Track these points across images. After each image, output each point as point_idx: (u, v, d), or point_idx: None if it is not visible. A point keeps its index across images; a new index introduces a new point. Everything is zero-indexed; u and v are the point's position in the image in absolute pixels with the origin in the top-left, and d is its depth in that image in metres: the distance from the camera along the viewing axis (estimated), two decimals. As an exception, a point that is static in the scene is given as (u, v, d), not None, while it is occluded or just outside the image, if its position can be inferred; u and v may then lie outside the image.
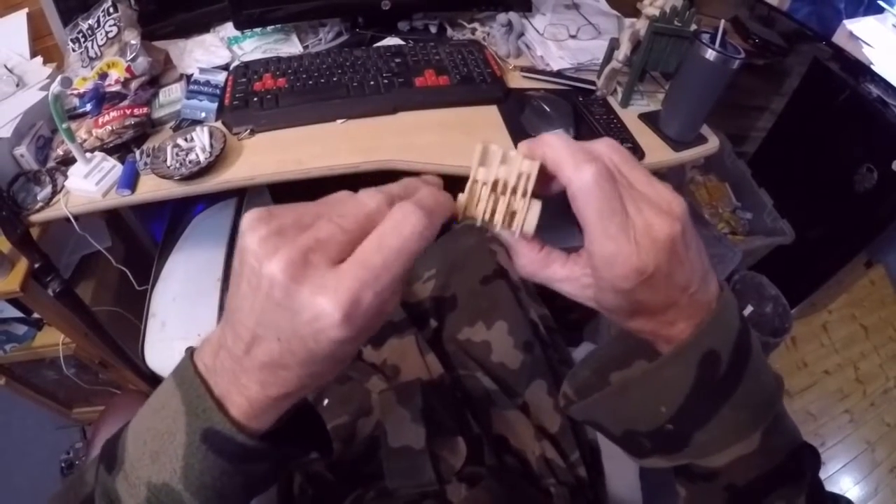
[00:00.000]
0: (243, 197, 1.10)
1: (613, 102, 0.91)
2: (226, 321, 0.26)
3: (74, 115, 0.82)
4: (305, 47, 1.00)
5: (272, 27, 0.99)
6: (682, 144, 0.84)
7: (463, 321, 0.65)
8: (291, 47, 1.00)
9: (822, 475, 0.33)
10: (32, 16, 0.95)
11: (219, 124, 0.83)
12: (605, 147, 0.28)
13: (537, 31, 1.00)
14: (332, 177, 0.78)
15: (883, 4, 1.21)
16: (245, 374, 0.26)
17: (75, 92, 0.83)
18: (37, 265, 0.80)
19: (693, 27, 0.78)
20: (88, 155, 0.76)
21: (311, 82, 0.86)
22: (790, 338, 1.56)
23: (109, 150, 0.78)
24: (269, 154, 0.80)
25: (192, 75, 0.90)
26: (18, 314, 0.95)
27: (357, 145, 0.81)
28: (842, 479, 1.39)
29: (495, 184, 0.28)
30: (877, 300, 1.71)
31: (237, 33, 0.98)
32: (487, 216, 0.29)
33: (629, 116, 0.88)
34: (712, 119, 0.85)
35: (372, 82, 0.87)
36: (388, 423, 0.51)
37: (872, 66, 1.21)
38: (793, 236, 1.44)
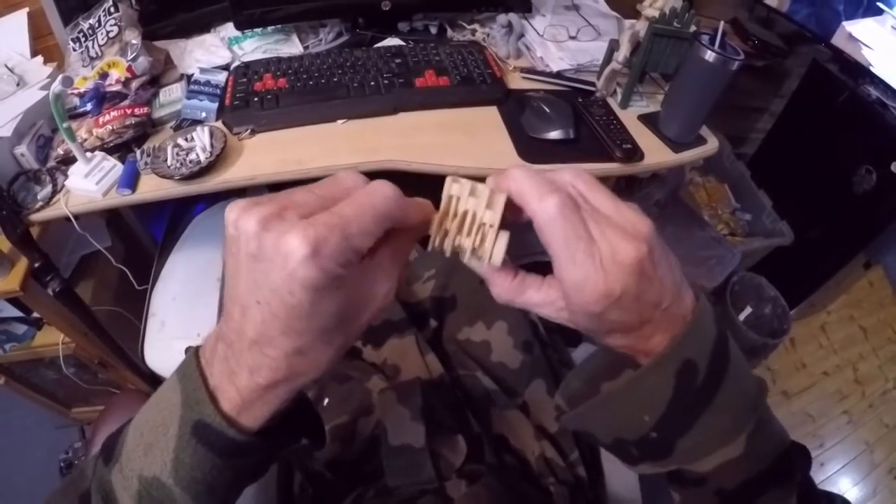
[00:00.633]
0: (243, 197, 1.10)
1: (613, 103, 0.91)
2: (222, 312, 0.27)
3: (75, 115, 0.82)
4: (306, 48, 1.01)
5: (273, 27, 0.99)
6: (681, 145, 0.85)
7: (463, 321, 0.65)
8: (292, 47, 1.00)
9: (821, 476, 0.34)
10: (33, 15, 0.95)
11: (219, 124, 0.83)
12: (568, 175, 0.29)
13: (537, 33, 1.00)
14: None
15: (882, 6, 1.21)
16: (236, 358, 0.26)
17: (76, 91, 0.83)
18: (37, 264, 0.80)
19: (692, 29, 0.79)
20: (89, 154, 0.76)
21: (311, 83, 0.86)
22: (789, 339, 1.56)
23: (110, 150, 0.78)
24: (269, 154, 0.80)
25: (192, 75, 0.90)
26: (18, 313, 0.95)
27: (357, 146, 0.81)
28: (840, 480, 1.39)
29: (464, 217, 0.29)
30: (876, 301, 1.71)
31: (238, 33, 0.98)
32: (456, 249, 0.30)
33: (629, 117, 0.88)
34: (712, 120, 0.85)
35: (372, 83, 0.87)
36: (388, 422, 0.51)
37: (871, 68, 1.22)
38: (792, 237, 1.44)
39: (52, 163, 0.79)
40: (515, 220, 0.30)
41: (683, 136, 0.85)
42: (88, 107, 0.82)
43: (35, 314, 0.96)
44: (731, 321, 1.40)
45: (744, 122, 1.73)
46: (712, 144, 0.87)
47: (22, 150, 0.76)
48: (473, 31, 1.05)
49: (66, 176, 0.76)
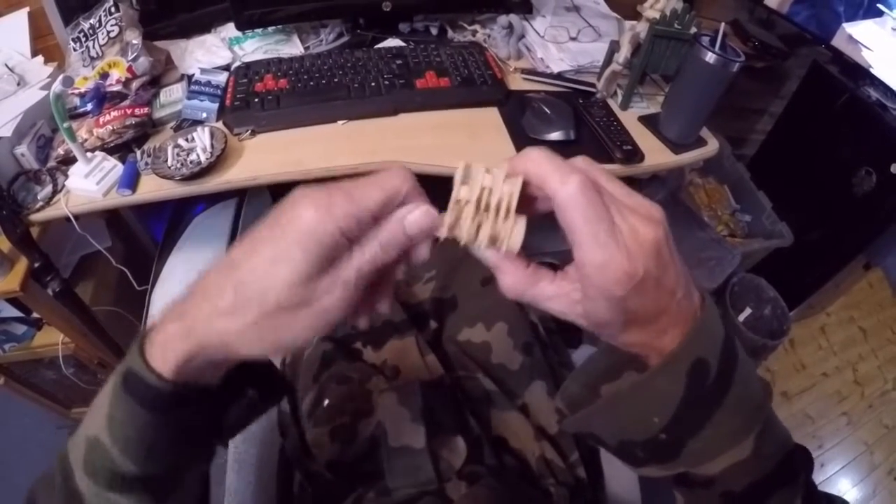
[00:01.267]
0: (244, 198, 1.10)
1: (613, 105, 0.91)
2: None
3: (75, 115, 0.82)
4: (306, 48, 1.01)
5: (273, 28, 0.99)
6: (681, 147, 0.85)
7: (463, 322, 0.65)
8: (292, 48, 1.00)
9: (821, 477, 0.34)
10: (34, 15, 0.95)
11: (220, 125, 0.83)
12: (582, 163, 0.29)
13: (538, 34, 1.00)
14: (333, 178, 0.78)
15: (882, 8, 1.21)
16: (179, 308, 0.28)
17: (76, 91, 0.83)
18: (36, 265, 0.80)
19: (693, 30, 0.79)
20: (89, 154, 0.76)
21: (312, 83, 0.86)
22: (788, 340, 1.56)
23: (110, 150, 0.79)
24: (269, 155, 0.80)
25: (193, 75, 0.90)
26: (18, 314, 0.95)
27: (358, 146, 0.81)
28: (840, 481, 1.39)
29: (478, 203, 0.28)
30: (875, 303, 1.71)
31: (238, 34, 0.98)
32: (472, 235, 0.29)
33: (629, 119, 0.88)
34: (712, 121, 0.85)
35: (373, 83, 0.87)
36: (388, 423, 0.51)
37: (871, 70, 1.22)
38: (791, 239, 1.44)
39: (52, 163, 0.79)
40: (527, 214, 0.29)
41: (683, 137, 0.85)
42: (89, 107, 0.82)
43: (35, 314, 0.96)
44: (731, 322, 1.40)
45: (744, 124, 1.73)
46: (712, 146, 0.87)
47: (22, 150, 0.76)
48: (474, 32, 1.05)
49: (67, 176, 0.76)
